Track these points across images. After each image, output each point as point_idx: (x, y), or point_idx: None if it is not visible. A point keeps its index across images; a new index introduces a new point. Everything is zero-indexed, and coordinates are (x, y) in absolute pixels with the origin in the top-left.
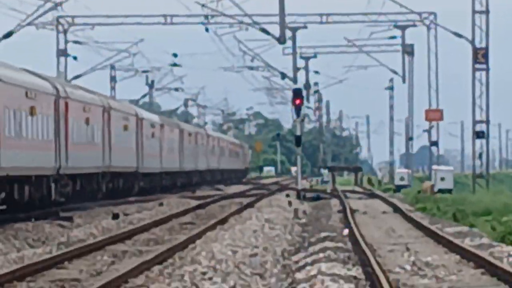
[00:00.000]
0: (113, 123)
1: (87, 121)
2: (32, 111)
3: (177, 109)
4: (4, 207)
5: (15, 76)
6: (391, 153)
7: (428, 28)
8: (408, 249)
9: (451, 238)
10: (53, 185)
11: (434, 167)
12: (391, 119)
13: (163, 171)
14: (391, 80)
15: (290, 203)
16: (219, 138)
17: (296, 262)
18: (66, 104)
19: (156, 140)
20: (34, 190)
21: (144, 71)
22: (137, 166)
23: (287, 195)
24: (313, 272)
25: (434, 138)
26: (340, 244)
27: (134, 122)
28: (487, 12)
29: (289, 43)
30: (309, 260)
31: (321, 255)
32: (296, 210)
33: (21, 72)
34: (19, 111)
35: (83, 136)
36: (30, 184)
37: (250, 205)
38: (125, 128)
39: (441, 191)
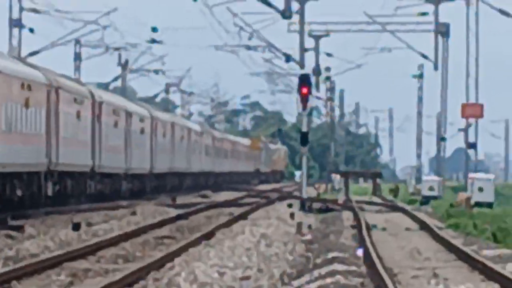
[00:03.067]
0: (176, 137)
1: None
2: None
3: (156, 96)
4: None
5: None
6: (419, 156)
7: (468, 4)
8: (436, 275)
9: (489, 263)
10: None
11: (471, 175)
12: (420, 114)
13: (203, 171)
14: (421, 66)
15: (292, 215)
16: (237, 142)
17: None
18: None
19: (198, 145)
20: None
21: (116, 48)
22: (187, 167)
23: (289, 205)
24: None
25: (471, 139)
26: (352, 268)
27: (186, 132)
28: None
29: (295, 18)
30: (313, 286)
31: (328, 280)
32: (299, 224)
33: None
34: None
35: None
36: None
37: (242, 216)
38: (182, 138)
39: (479, 204)
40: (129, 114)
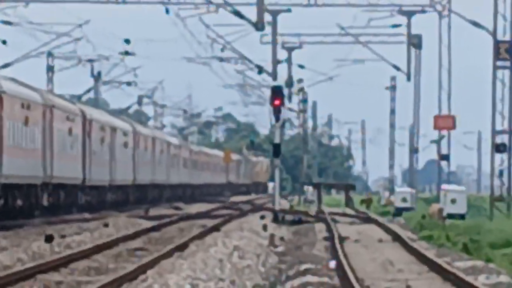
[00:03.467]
0: (156, 151)
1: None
2: None
3: (129, 107)
4: None
5: None
6: (391, 167)
7: (440, 15)
8: (408, 287)
9: (462, 275)
10: None
11: (444, 186)
12: (392, 126)
13: (182, 183)
14: (393, 78)
15: (265, 227)
16: (213, 155)
17: None
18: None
19: (176, 158)
20: None
21: (89, 60)
22: (166, 179)
23: (262, 217)
24: None
25: (444, 151)
26: (325, 279)
27: (166, 146)
28: None
29: (268, 29)
30: None
31: None
32: (272, 236)
33: None
34: None
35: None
36: None
37: (215, 228)
38: (162, 152)
39: (451, 216)
40: (114, 130)
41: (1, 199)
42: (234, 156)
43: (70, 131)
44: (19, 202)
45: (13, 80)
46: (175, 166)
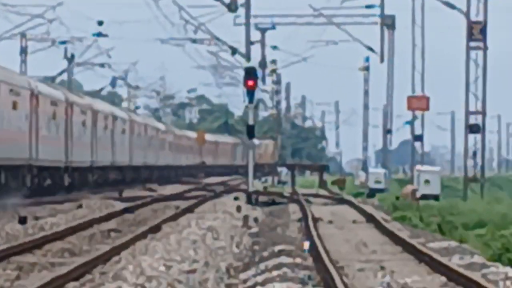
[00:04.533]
0: (148, 136)
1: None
2: None
3: (102, 89)
4: None
5: None
6: (365, 149)
7: None
8: (382, 268)
9: (435, 255)
10: None
11: (417, 167)
12: (366, 107)
13: (168, 165)
14: (367, 59)
15: (239, 209)
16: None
17: (244, 281)
18: None
19: (163, 142)
20: None
21: (62, 42)
22: (156, 161)
23: (236, 198)
24: None
25: (418, 132)
26: (298, 260)
27: (155, 132)
28: None
29: (241, 11)
30: (259, 279)
31: (275, 273)
32: (246, 217)
33: None
34: None
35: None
36: None
37: (189, 209)
38: (152, 137)
39: (425, 197)
40: (115, 118)
41: (37, 179)
42: (229, 139)
43: (83, 122)
44: (48, 181)
45: (40, 81)
46: (163, 149)
